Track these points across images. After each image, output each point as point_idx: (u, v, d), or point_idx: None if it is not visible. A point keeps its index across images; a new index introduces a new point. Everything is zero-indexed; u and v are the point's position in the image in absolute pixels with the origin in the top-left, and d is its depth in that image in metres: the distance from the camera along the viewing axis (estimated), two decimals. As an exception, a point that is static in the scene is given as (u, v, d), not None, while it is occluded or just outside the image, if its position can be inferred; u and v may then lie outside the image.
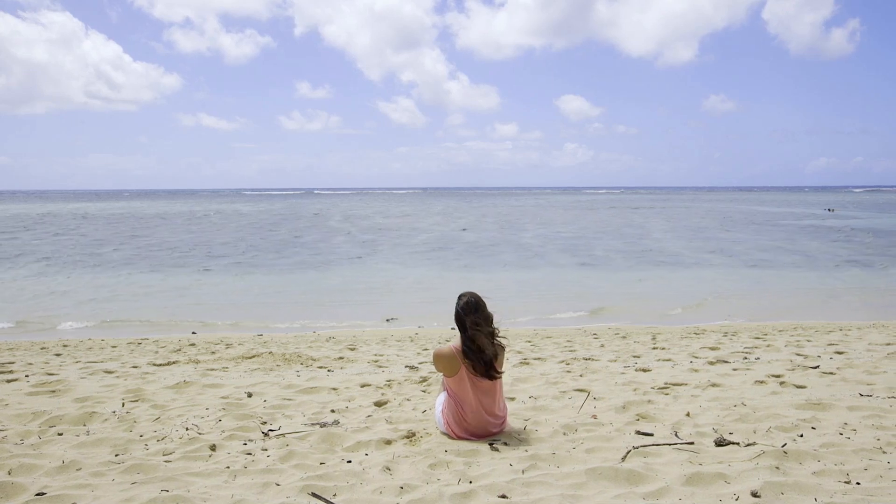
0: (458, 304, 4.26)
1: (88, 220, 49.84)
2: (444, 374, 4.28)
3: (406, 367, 7.32)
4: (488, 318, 4.22)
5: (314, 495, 3.07)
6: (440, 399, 4.40)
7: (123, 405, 5.19)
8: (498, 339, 4.26)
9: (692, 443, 3.88)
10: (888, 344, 8.42)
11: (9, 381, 6.30)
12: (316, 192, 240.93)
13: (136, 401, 5.37)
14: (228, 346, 9.95)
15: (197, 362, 8.00)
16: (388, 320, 13.23)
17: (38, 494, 3.17)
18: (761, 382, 5.83)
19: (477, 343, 4.13)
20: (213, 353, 9.05)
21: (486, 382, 4.19)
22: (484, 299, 4.28)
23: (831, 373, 6.22)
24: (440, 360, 4.21)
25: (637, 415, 4.69)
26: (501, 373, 4.26)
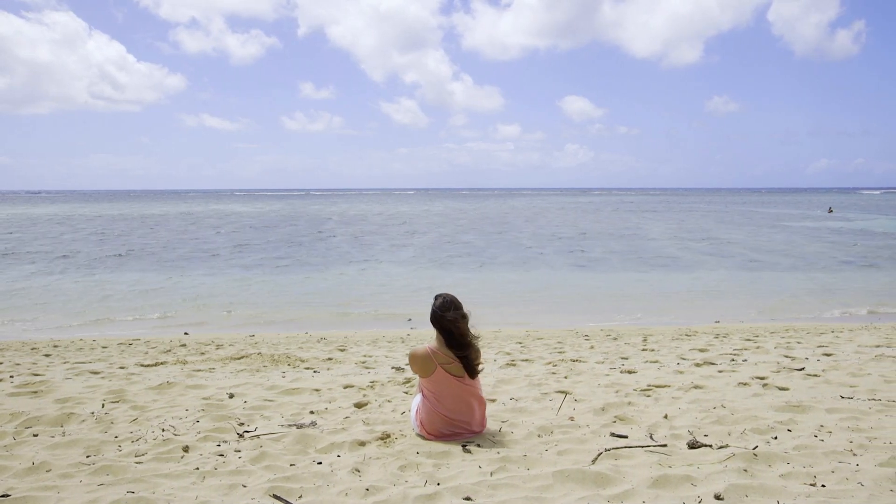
0: (434, 304, 4.27)
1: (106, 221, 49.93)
2: (419, 375, 4.28)
3: (392, 368, 7.32)
4: (465, 317, 4.23)
5: (276, 497, 3.07)
6: (415, 400, 4.40)
7: (103, 406, 5.18)
8: (474, 340, 4.26)
9: (665, 445, 3.87)
10: (877, 346, 8.41)
11: (-7, 382, 6.31)
12: (317, 192, 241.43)
13: (117, 402, 5.37)
14: (219, 346, 9.95)
15: (184, 363, 8.00)
16: (409, 319, 13.30)
17: (2, 496, 3.17)
18: (744, 384, 5.81)
19: (464, 337, 4.13)
20: (202, 353, 9.05)
21: (463, 382, 4.18)
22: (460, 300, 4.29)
23: (816, 375, 6.21)
24: (415, 360, 4.21)
25: (615, 417, 4.69)
26: (480, 370, 4.26)
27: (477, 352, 4.25)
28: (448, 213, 62.38)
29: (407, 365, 7.47)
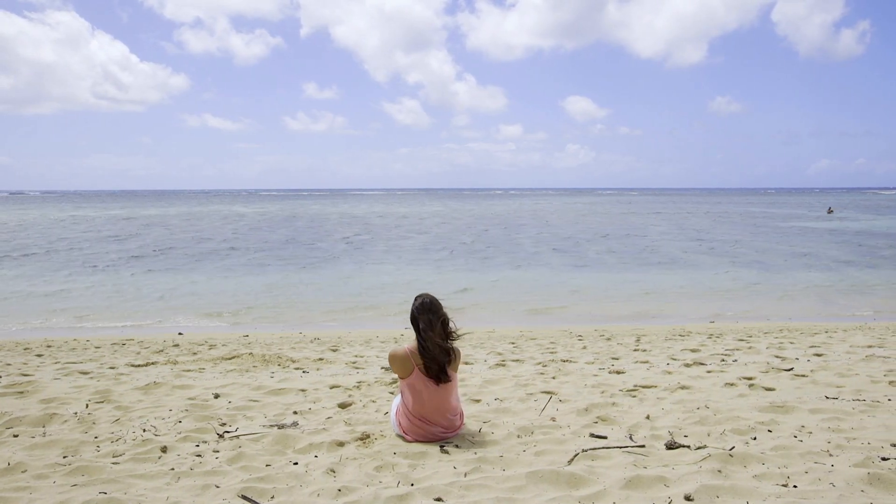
0: (413, 304, 4.26)
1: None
2: (398, 375, 4.27)
3: (382, 368, 7.31)
4: (443, 320, 4.22)
5: (245, 498, 3.06)
6: (396, 401, 4.40)
7: (87, 406, 5.18)
8: (452, 342, 4.24)
9: (643, 446, 3.86)
10: (869, 346, 8.38)
11: (-20, 383, 6.30)
12: (318, 192, 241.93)
13: (102, 402, 5.37)
14: (212, 346, 9.95)
15: (175, 363, 8.00)
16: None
17: (-26, 496, 3.17)
18: (731, 385, 5.80)
19: (429, 344, 4.13)
20: (194, 353, 9.05)
21: (441, 383, 4.18)
22: (439, 300, 4.28)
23: (804, 375, 6.19)
24: (394, 360, 4.20)
25: (598, 417, 4.67)
26: (452, 376, 4.24)
27: (456, 354, 4.23)
28: (448, 214, 62.39)
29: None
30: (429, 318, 4.12)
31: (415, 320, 4.17)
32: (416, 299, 4.28)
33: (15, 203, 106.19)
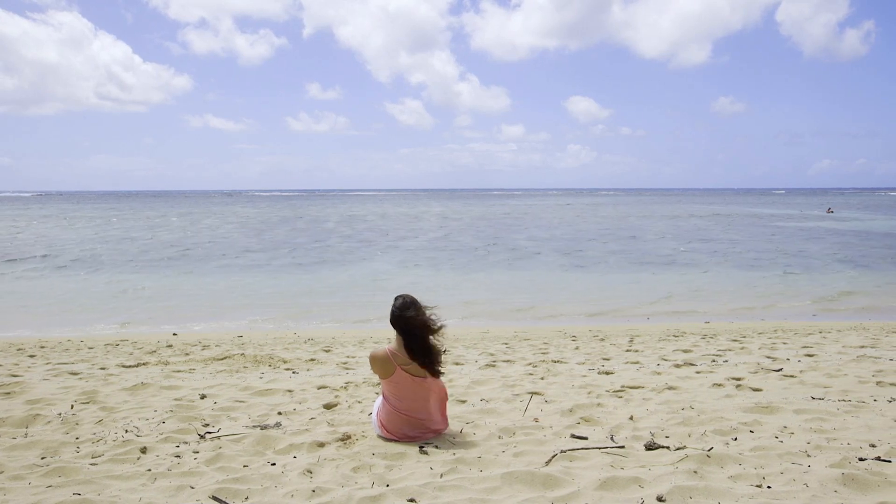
0: (394, 304, 4.25)
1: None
2: (379, 376, 4.27)
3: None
4: (423, 314, 4.21)
5: (215, 499, 3.06)
6: (377, 402, 4.39)
7: (72, 407, 5.18)
8: (435, 341, 4.24)
9: (622, 447, 3.85)
10: (861, 346, 8.36)
11: (-32, 383, 6.30)
12: (319, 193, 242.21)
13: (88, 403, 5.37)
14: (205, 347, 9.94)
15: (166, 364, 8.00)
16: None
17: (-53, 498, 3.17)
18: (719, 385, 5.79)
19: (421, 338, 4.12)
20: (186, 354, 9.04)
21: (423, 382, 4.16)
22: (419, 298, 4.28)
23: (792, 375, 6.17)
24: (375, 361, 4.20)
25: (581, 418, 4.66)
26: (442, 372, 4.24)
27: (438, 352, 4.23)
28: (449, 215, 62.40)
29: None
30: (414, 313, 4.12)
31: (400, 319, 4.16)
32: (396, 300, 4.27)
33: (14, 203, 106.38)
